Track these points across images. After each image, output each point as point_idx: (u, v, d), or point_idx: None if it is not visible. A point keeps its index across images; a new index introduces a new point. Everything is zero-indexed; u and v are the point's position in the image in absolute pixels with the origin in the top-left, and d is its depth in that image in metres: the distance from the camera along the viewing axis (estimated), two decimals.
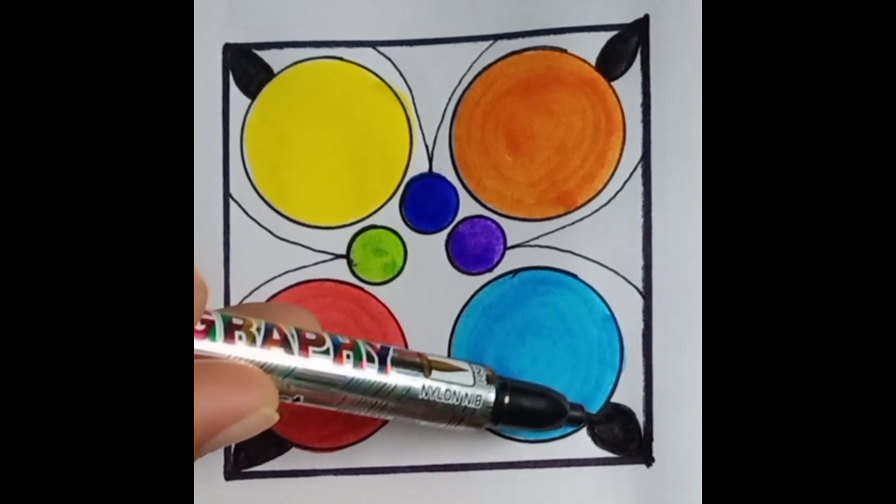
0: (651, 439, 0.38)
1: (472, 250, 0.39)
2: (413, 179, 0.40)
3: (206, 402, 0.31)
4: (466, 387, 0.35)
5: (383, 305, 0.39)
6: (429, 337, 0.39)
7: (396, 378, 0.34)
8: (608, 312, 0.38)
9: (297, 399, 0.33)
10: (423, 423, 0.35)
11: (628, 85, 0.39)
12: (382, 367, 0.34)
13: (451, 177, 0.40)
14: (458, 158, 0.40)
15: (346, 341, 0.34)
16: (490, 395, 0.35)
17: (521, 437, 0.38)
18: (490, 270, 0.39)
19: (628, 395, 0.38)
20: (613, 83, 0.39)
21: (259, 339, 0.32)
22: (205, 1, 0.40)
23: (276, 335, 0.32)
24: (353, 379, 0.33)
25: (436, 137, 0.40)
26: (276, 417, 0.32)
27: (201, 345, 0.31)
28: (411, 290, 0.39)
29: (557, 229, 0.39)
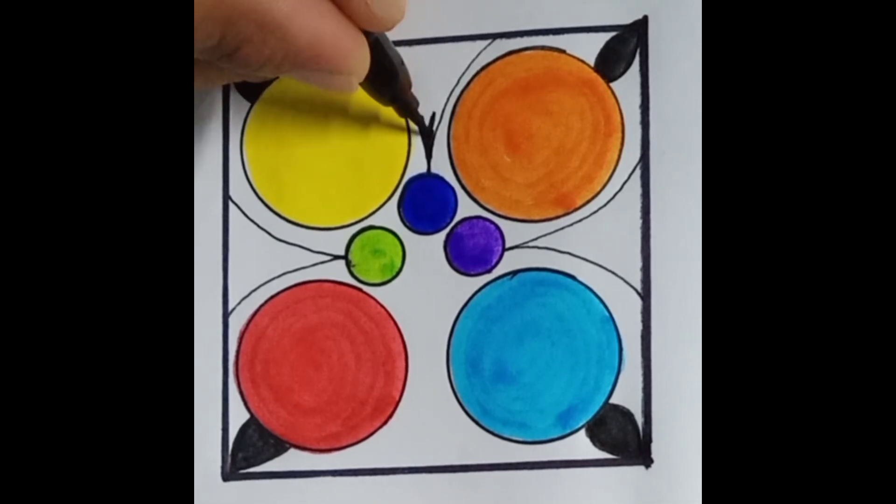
0: (650, 441, 0.37)
1: (471, 251, 0.39)
2: (411, 180, 0.40)
3: (309, 30, 0.34)
4: None
5: (382, 306, 0.39)
6: (427, 338, 0.39)
7: None
8: (607, 313, 0.38)
9: None
10: None
11: (627, 86, 0.39)
12: None
13: (450, 177, 0.40)
14: (456, 159, 0.40)
15: None
16: None
17: (520, 438, 0.38)
18: (489, 271, 0.39)
19: (627, 396, 0.38)
20: (612, 84, 0.39)
21: None
22: None
23: None
24: None
25: (434, 137, 0.40)
26: (355, 90, 0.36)
27: None
28: (410, 292, 0.39)
29: (556, 230, 0.39)
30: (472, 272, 0.39)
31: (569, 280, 0.39)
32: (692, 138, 0.38)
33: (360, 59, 0.36)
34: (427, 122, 0.40)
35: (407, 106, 0.39)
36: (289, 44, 0.34)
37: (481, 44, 0.40)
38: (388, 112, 0.40)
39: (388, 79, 0.38)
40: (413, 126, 0.40)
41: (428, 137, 0.39)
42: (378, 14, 0.35)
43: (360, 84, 0.37)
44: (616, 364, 0.38)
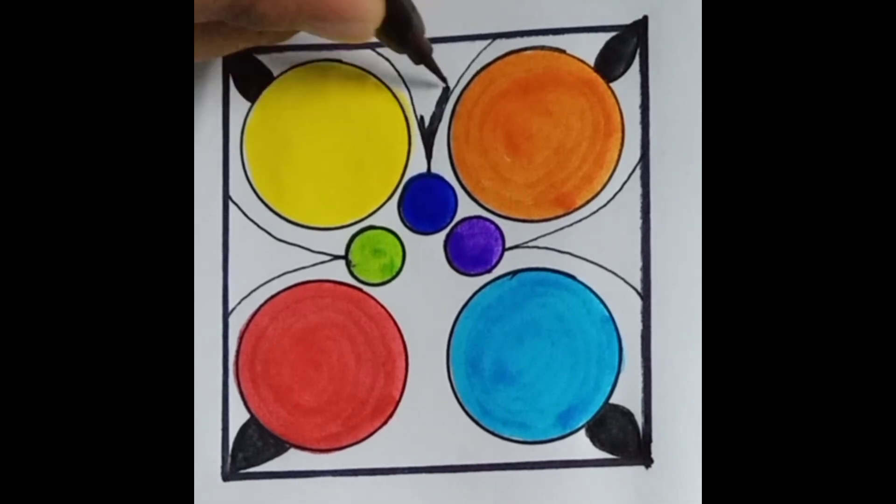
0: (650, 441, 0.37)
1: (471, 251, 0.39)
2: (411, 180, 0.40)
3: None
4: None
5: (382, 306, 0.39)
6: (427, 338, 0.39)
7: None
8: (607, 313, 0.38)
9: None
10: None
11: (627, 86, 0.39)
12: None
13: (450, 177, 0.40)
14: (456, 159, 0.40)
15: None
16: None
17: (520, 438, 0.38)
18: (489, 271, 0.39)
19: (627, 396, 0.38)
20: (612, 84, 0.39)
21: None
22: None
23: None
24: None
25: (434, 137, 0.40)
26: (370, 37, 0.36)
27: None
28: (410, 292, 0.39)
29: (556, 230, 0.39)
30: (472, 272, 0.39)
31: (569, 280, 0.39)
32: (692, 138, 0.38)
33: (374, 6, 0.36)
34: (427, 122, 0.40)
35: (421, 53, 0.39)
36: None
37: (481, 44, 0.40)
38: (389, 111, 0.40)
39: (402, 25, 0.37)
40: (413, 125, 0.40)
41: (445, 84, 0.39)
42: None
43: (375, 33, 0.37)
44: (616, 364, 0.38)
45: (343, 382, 0.39)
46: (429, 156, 0.40)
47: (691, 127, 0.38)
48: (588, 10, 0.39)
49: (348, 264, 0.40)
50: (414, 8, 0.38)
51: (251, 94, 0.41)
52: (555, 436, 0.38)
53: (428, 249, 0.39)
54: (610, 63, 0.39)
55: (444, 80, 0.39)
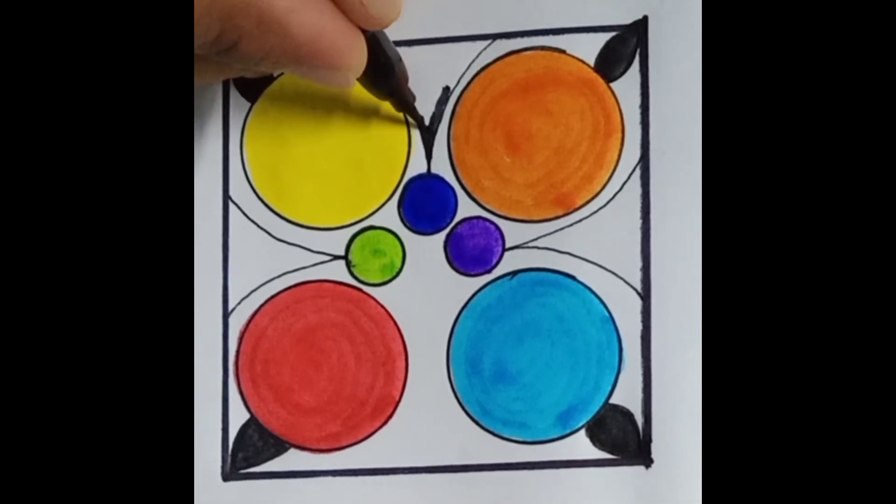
0: (650, 441, 0.37)
1: (471, 251, 0.39)
2: (411, 180, 0.40)
3: (308, 26, 0.34)
4: None
5: (382, 307, 0.39)
6: (427, 338, 0.39)
7: None
8: (607, 314, 0.38)
9: None
10: None
11: (627, 86, 0.39)
12: None
13: (450, 177, 0.40)
14: (456, 159, 0.40)
15: None
16: None
17: (520, 438, 0.38)
18: (489, 272, 0.39)
19: (627, 396, 0.38)
20: (612, 84, 0.39)
21: None
22: None
23: None
24: None
25: (434, 138, 0.40)
26: (352, 85, 0.37)
27: None
28: (410, 292, 0.39)
29: (556, 230, 0.39)
30: (472, 272, 0.39)
31: (569, 280, 0.39)
32: (692, 138, 0.38)
33: (358, 56, 0.36)
34: (427, 121, 0.40)
35: (404, 101, 0.39)
36: (287, 39, 0.34)
37: (481, 44, 0.40)
38: (389, 111, 0.40)
39: (384, 74, 0.38)
40: (412, 121, 0.40)
41: (426, 132, 0.40)
42: (373, 13, 0.35)
43: (357, 79, 0.37)
44: (616, 364, 0.38)
45: (343, 382, 0.39)
46: (429, 156, 0.40)
47: (691, 127, 0.38)
48: (588, 10, 0.39)
49: (348, 264, 0.40)
50: (400, 59, 0.38)
51: (251, 94, 0.41)
52: (555, 436, 0.38)
53: (428, 249, 0.39)
54: (610, 63, 0.39)
55: (424, 128, 0.40)
